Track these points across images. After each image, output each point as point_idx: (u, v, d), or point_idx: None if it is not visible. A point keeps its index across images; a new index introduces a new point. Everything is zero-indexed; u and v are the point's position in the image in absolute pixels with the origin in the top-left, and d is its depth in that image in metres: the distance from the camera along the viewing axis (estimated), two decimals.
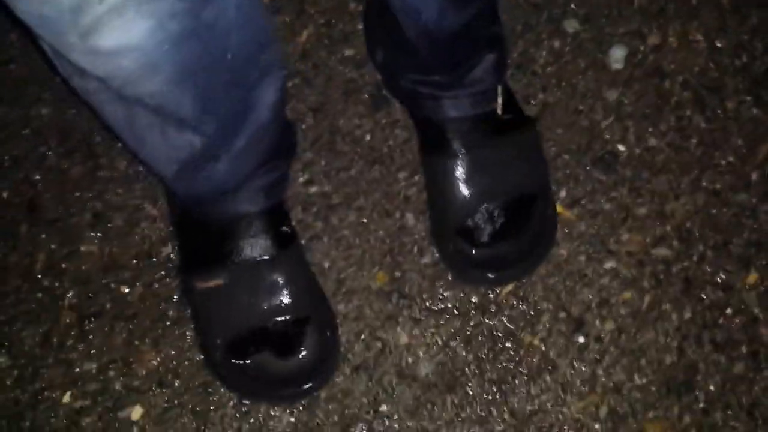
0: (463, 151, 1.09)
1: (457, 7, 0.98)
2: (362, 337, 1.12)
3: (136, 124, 0.90)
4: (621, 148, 1.18)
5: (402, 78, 1.12)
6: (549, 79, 1.24)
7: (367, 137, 1.23)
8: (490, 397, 1.08)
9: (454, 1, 0.97)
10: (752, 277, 1.10)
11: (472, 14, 1.00)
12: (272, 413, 1.09)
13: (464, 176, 1.09)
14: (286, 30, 1.32)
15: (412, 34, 1.01)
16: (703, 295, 1.10)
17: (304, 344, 1.07)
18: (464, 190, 1.09)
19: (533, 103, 1.22)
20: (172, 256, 1.19)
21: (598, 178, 1.17)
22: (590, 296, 1.11)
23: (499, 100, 1.10)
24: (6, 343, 1.16)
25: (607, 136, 1.19)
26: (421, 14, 0.97)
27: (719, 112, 1.20)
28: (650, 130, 1.19)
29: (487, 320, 1.11)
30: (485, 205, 1.09)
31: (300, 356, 1.07)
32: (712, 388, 1.06)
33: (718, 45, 1.24)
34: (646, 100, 1.21)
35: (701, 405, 1.06)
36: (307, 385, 1.08)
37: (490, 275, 1.11)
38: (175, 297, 1.16)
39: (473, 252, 1.10)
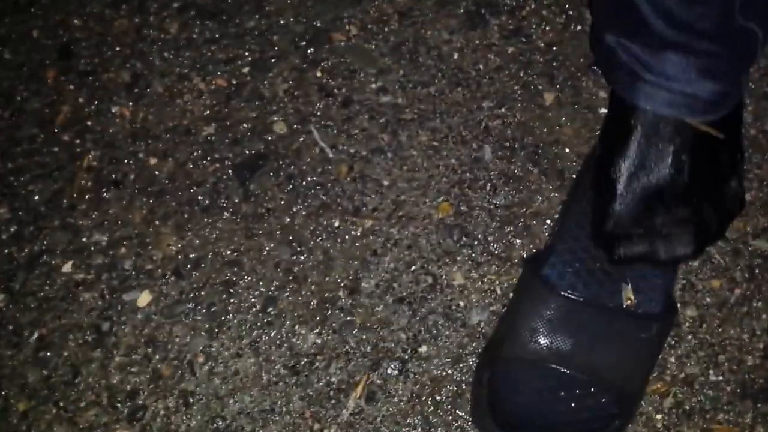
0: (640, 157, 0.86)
1: None
2: (412, 268, 0.98)
3: None
4: None
5: (606, 31, 0.88)
6: None
7: (455, 56, 1.09)
8: None
9: None
10: None
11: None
12: (296, 330, 0.96)
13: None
14: None
15: None
16: None
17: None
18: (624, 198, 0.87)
19: None
20: (212, 138, 1.04)
21: None
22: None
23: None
24: (8, 194, 1.02)
25: None
26: None
27: None
28: None
29: None
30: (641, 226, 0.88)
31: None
32: None
33: None
34: None
35: None
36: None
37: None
38: (209, 182, 1.02)
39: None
